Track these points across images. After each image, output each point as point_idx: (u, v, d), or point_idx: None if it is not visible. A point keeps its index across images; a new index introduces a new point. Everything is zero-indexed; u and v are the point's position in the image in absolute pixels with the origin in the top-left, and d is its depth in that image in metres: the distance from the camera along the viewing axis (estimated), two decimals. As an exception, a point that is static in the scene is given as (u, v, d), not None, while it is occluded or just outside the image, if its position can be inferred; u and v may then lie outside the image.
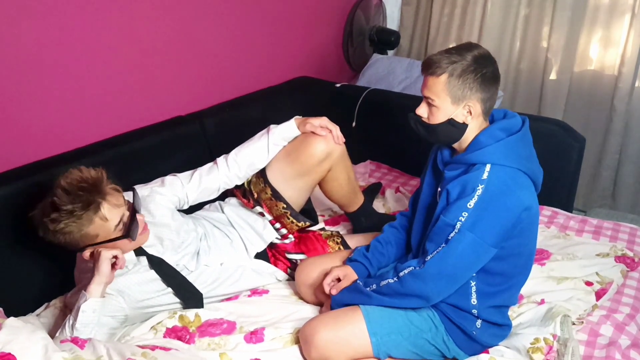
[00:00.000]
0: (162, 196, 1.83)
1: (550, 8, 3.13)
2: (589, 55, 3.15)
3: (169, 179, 1.89)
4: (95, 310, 1.54)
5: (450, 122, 1.57)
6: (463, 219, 1.49)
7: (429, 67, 1.55)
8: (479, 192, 1.50)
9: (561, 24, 3.11)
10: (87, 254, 1.61)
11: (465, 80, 1.52)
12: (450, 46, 1.66)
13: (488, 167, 1.52)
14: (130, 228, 1.61)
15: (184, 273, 1.78)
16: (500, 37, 3.29)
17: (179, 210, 1.89)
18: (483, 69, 1.53)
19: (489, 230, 1.49)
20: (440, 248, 1.53)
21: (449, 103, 1.55)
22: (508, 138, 1.56)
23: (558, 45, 3.15)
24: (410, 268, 1.57)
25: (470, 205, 1.49)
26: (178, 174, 1.92)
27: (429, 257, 1.54)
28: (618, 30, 3.03)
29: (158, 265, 1.74)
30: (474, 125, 1.59)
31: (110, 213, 1.57)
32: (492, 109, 1.62)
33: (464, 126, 1.58)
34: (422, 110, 1.60)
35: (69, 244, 1.58)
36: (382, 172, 2.80)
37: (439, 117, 1.57)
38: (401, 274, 1.58)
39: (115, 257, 1.59)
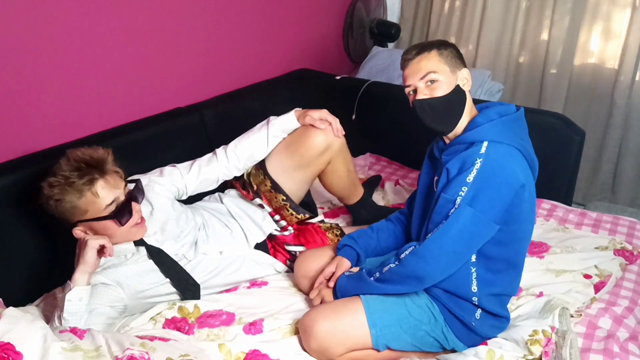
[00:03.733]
0: (161, 186, 1.83)
1: (551, 0, 3.12)
2: (589, 49, 3.15)
3: (168, 169, 1.89)
4: (81, 298, 1.54)
5: (458, 89, 1.61)
6: (463, 194, 1.50)
7: (416, 49, 1.62)
8: (477, 166, 1.51)
9: (562, 16, 3.11)
10: (79, 233, 1.62)
11: (450, 53, 1.62)
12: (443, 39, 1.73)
13: (485, 143, 1.54)
14: (121, 212, 1.61)
15: (182, 262, 1.79)
16: (501, 29, 3.28)
17: (178, 201, 1.89)
18: (453, 47, 1.65)
19: (488, 204, 1.50)
20: (440, 225, 1.52)
21: (449, 72, 1.61)
22: (503, 118, 1.60)
23: (559, 38, 3.14)
24: (411, 248, 1.57)
25: (469, 179, 1.50)
26: (177, 165, 1.92)
27: (429, 235, 1.54)
28: (619, 23, 3.03)
29: (157, 255, 1.74)
30: (468, 104, 1.64)
31: (103, 191, 1.58)
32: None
33: (465, 96, 1.63)
34: (422, 93, 1.60)
35: (60, 214, 1.59)
36: (381, 164, 2.80)
37: (445, 89, 1.60)
38: (402, 256, 1.58)
39: (103, 246, 1.58)
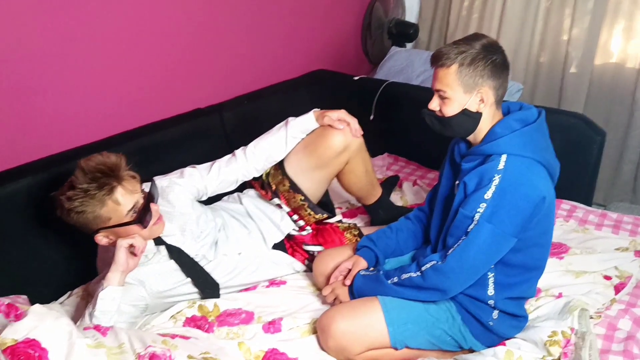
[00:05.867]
0: (181, 187, 1.86)
1: (571, 0, 3.09)
2: (610, 48, 3.11)
3: (188, 170, 1.92)
4: (114, 298, 1.57)
5: (465, 112, 1.57)
6: (481, 211, 1.50)
7: (439, 59, 1.56)
8: (495, 182, 1.50)
9: (582, 15, 3.08)
10: (101, 238, 1.64)
11: (476, 68, 1.53)
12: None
13: (504, 157, 1.53)
14: (142, 215, 1.63)
15: (202, 263, 1.81)
16: (520, 29, 3.26)
17: (197, 202, 1.92)
18: (492, 55, 1.54)
19: (507, 220, 1.50)
20: (460, 241, 1.54)
21: (462, 93, 1.56)
22: (523, 128, 1.56)
23: (579, 37, 3.12)
24: (433, 262, 1.58)
25: (487, 196, 1.50)
26: (197, 166, 1.94)
27: (450, 251, 1.55)
28: (641, 22, 3.00)
29: (177, 254, 1.77)
30: (488, 115, 1.60)
31: (124, 198, 1.60)
32: (503, 98, 1.62)
33: (478, 115, 1.58)
34: (434, 104, 1.61)
35: (82, 224, 1.61)
36: (399, 164, 2.81)
37: (453, 109, 1.58)
38: (423, 268, 1.60)
39: (132, 245, 1.61)
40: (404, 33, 3.48)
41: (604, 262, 1.97)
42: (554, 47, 3.23)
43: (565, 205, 2.35)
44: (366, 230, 2.07)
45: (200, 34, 2.37)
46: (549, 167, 1.57)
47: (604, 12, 3.04)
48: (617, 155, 3.19)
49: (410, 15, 3.70)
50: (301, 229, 2.00)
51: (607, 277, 1.90)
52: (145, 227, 1.65)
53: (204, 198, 1.95)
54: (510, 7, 3.23)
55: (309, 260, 1.97)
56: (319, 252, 1.95)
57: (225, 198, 2.10)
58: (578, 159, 2.34)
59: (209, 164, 1.95)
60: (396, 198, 2.46)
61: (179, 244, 1.79)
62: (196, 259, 1.80)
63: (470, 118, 1.59)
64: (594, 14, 3.06)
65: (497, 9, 3.28)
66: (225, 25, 2.48)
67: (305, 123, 1.95)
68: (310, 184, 1.97)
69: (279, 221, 1.98)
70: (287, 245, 2.00)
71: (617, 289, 1.86)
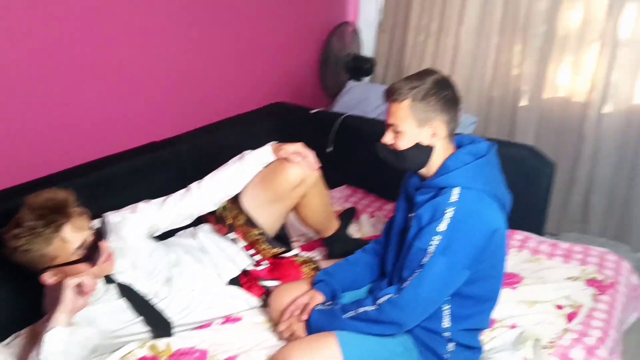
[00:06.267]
0: (134, 222, 1.82)
1: (520, 36, 3.20)
2: (558, 83, 3.22)
3: (141, 205, 1.88)
4: (60, 339, 1.51)
5: (418, 146, 1.60)
6: (435, 243, 1.51)
7: (392, 94, 1.59)
8: (449, 215, 1.52)
9: (531, 52, 3.18)
10: (47, 278, 1.58)
11: (428, 102, 1.56)
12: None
13: (457, 190, 1.55)
14: (91, 253, 1.59)
15: (155, 300, 1.76)
16: (472, 64, 3.35)
17: (151, 237, 1.88)
18: (444, 91, 1.58)
19: (461, 252, 1.51)
20: (415, 274, 1.54)
21: (414, 127, 1.58)
22: (475, 161, 1.59)
23: (528, 72, 3.22)
24: (389, 295, 1.58)
25: (441, 228, 1.51)
26: (151, 200, 1.91)
27: (405, 284, 1.55)
28: (587, 58, 3.11)
29: (128, 292, 1.72)
30: (440, 148, 1.62)
31: (72, 235, 1.55)
32: (455, 131, 1.65)
33: (430, 149, 1.61)
34: (387, 138, 1.63)
35: (29, 263, 1.55)
36: (358, 196, 2.82)
37: (406, 142, 1.60)
38: (379, 301, 1.59)
39: (80, 284, 1.55)
40: (361, 67, 3.53)
41: (556, 291, 2.00)
42: (505, 82, 3.32)
43: (519, 235, 2.39)
44: (324, 264, 2.06)
45: (156, 65, 2.36)
46: (500, 199, 1.60)
47: (551, 49, 3.15)
48: (567, 186, 3.28)
49: (367, 50, 3.76)
50: (257, 263, 1.98)
51: (559, 307, 1.93)
52: (94, 265, 1.60)
53: (158, 233, 1.91)
54: (463, 42, 3.32)
55: (266, 295, 1.94)
56: (275, 287, 1.92)
57: (179, 233, 2.06)
58: (529, 190, 2.39)
59: (162, 198, 1.92)
60: (354, 230, 2.46)
61: (130, 280, 1.74)
62: (148, 297, 1.76)
63: (422, 151, 1.61)
64: (542, 50, 3.16)
65: (450, 45, 3.37)
66: (181, 58, 2.47)
67: (261, 156, 1.94)
68: (267, 217, 1.96)
69: (234, 256, 1.95)
70: (243, 280, 1.97)
71: (569, 318, 1.89)
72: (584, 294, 2.00)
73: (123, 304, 1.70)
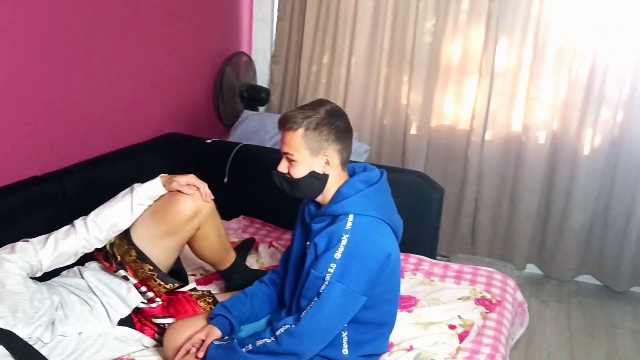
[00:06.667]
0: (12, 264, 1.67)
1: (407, 68, 3.34)
2: (443, 111, 3.39)
3: (20, 244, 1.74)
4: None
5: (312, 174, 1.62)
6: (332, 271, 1.52)
7: (286, 123, 1.60)
8: (344, 242, 1.54)
9: (418, 82, 3.33)
10: None
11: (320, 132, 1.59)
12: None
13: (351, 217, 1.57)
14: None
15: (37, 346, 1.63)
16: (364, 94, 3.45)
17: (31, 278, 1.74)
18: (336, 121, 1.61)
19: (357, 279, 1.53)
20: (313, 302, 1.54)
21: (308, 156, 1.60)
22: (368, 189, 1.63)
23: (416, 102, 3.36)
24: (287, 326, 1.57)
25: (337, 256, 1.53)
26: (31, 239, 1.77)
27: (303, 314, 1.55)
28: (468, 88, 3.30)
29: (8, 339, 1.58)
30: (334, 177, 1.65)
31: None
32: (348, 160, 1.69)
33: (324, 177, 1.63)
34: (282, 167, 1.64)
35: None
36: (255, 227, 2.79)
37: (301, 171, 1.61)
38: (278, 332, 1.57)
39: None
40: (256, 97, 3.54)
41: (449, 312, 2.07)
42: (395, 111, 3.45)
43: (413, 259, 2.46)
44: (221, 297, 2.00)
45: (37, 93, 2.21)
46: (392, 225, 1.64)
47: (436, 80, 3.32)
48: (456, 210, 3.44)
49: (262, 80, 3.78)
50: (150, 300, 1.89)
51: (452, 327, 1.99)
52: None
53: (39, 274, 1.77)
54: (354, 73, 3.41)
55: (160, 334, 1.86)
56: (170, 324, 1.84)
57: (64, 273, 1.93)
58: (421, 215, 2.48)
59: (44, 236, 1.79)
60: (252, 261, 2.42)
61: (9, 327, 1.60)
62: (30, 342, 1.62)
63: (317, 180, 1.63)
64: (427, 81, 3.32)
65: (342, 75, 3.45)
66: (67, 84, 2.34)
67: (151, 189, 1.88)
68: (160, 252, 1.89)
69: (125, 294, 1.85)
70: (135, 319, 1.87)
71: (461, 337, 1.95)
72: (474, 312, 2.09)
73: (2, 351, 1.56)
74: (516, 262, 3.35)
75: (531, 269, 3.48)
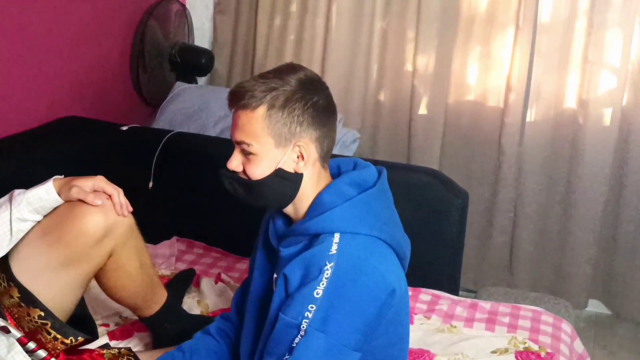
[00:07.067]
0: None
1: (413, 19, 3.36)
2: (465, 82, 3.41)
3: None
4: None
5: (278, 173, 1.60)
6: (310, 315, 1.50)
7: (240, 99, 1.58)
8: (327, 273, 1.52)
9: (428, 40, 3.35)
10: None
11: (291, 111, 1.57)
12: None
13: (337, 237, 1.56)
14: None
15: None
16: (351, 58, 3.47)
17: None
18: (313, 95, 1.59)
19: (346, 326, 1.51)
20: None
21: (272, 146, 1.58)
22: (360, 196, 1.62)
23: (426, 68, 3.38)
24: None
25: (317, 293, 1.51)
26: None
27: None
28: (501, 49, 3.33)
29: None
30: (311, 177, 1.64)
31: None
32: (330, 153, 1.68)
33: (297, 177, 1.62)
34: (235, 163, 1.62)
35: None
36: (196, 253, 2.79)
37: (262, 169, 1.60)
38: None
39: None
40: (193, 63, 3.54)
41: (479, 371, 2.08)
42: (397, 82, 3.47)
43: (425, 295, 2.46)
44: (146, 357, 2.00)
45: None
46: (396, 247, 1.63)
47: (453, 37, 3.33)
48: (486, 223, 3.45)
49: (202, 39, 3.77)
50: (42, 362, 1.87)
51: (485, 392, 2.01)
52: None
53: None
54: (336, 28, 3.43)
55: (57, 412, 1.84)
56: (71, 397, 1.83)
57: None
58: (435, 230, 2.49)
59: None
60: (192, 303, 2.43)
61: None
62: None
63: (286, 182, 1.62)
64: (441, 38, 3.34)
65: (319, 31, 3.47)
66: None
67: (40, 198, 1.85)
68: (55, 291, 1.86)
69: (4, 354, 1.82)
70: (19, 391, 1.85)
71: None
72: (516, 372, 2.10)
73: None
74: (574, 298, 3.38)
75: (595, 306, 3.53)
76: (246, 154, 1.60)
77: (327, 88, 1.65)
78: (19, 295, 1.83)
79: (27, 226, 1.86)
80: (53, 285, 1.86)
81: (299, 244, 1.62)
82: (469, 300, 2.49)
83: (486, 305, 2.45)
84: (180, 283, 2.46)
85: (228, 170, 1.63)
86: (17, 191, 1.87)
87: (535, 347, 2.21)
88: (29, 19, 2.76)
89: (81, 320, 2.01)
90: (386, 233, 1.61)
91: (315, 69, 3.45)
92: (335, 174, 1.71)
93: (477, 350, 2.17)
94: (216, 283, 2.56)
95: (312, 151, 1.61)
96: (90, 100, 3.17)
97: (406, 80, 3.45)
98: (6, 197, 1.88)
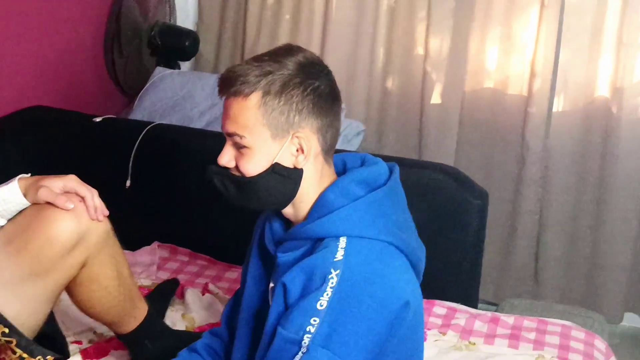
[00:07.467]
0: None
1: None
2: (485, 67, 3.41)
3: None
4: None
5: (275, 169, 1.60)
6: (313, 330, 1.50)
7: (231, 85, 1.57)
8: (332, 283, 1.52)
9: (442, 19, 3.35)
10: None
11: (289, 99, 1.56)
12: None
13: (343, 241, 1.56)
14: None
15: None
16: (354, 40, 3.47)
17: None
18: (314, 80, 1.59)
19: (353, 343, 1.51)
20: None
21: (268, 138, 1.58)
22: (369, 195, 1.61)
23: (440, 51, 3.38)
24: None
25: (321, 305, 1.51)
26: None
27: None
28: (524, 30, 3.33)
29: None
30: (313, 174, 1.63)
31: None
32: (335, 146, 1.67)
33: (295, 174, 1.61)
34: (226, 157, 1.61)
35: None
36: (179, 259, 2.80)
37: (256, 164, 1.59)
38: None
39: None
40: (176, 46, 3.54)
41: (502, 395, 2.08)
42: (406, 67, 3.47)
43: (440, 308, 2.46)
44: (124, 378, 2.00)
45: None
46: (409, 253, 1.63)
47: (470, 17, 3.33)
48: (509, 226, 3.45)
49: (185, 19, 3.76)
50: (7, 385, 1.87)
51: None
52: None
53: None
54: (337, 7, 3.42)
55: None
56: None
57: None
58: (451, 235, 2.49)
59: None
60: (176, 316, 2.43)
61: None
62: None
63: (284, 178, 1.61)
64: (457, 18, 3.34)
65: (317, 10, 3.47)
66: None
67: (5, 200, 1.86)
68: (20, 305, 1.86)
69: (-37, 377, 1.83)
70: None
71: None
72: (544, 395, 2.10)
73: None
74: (607, 311, 3.38)
75: (631, 320, 3.54)
76: (239, 147, 1.59)
77: (329, 72, 1.64)
78: (-20, 310, 1.83)
79: (-11, 233, 1.86)
80: (19, 299, 1.86)
81: (299, 250, 1.62)
82: (489, 313, 2.49)
83: (509, 319, 2.45)
84: (163, 294, 2.47)
85: (218, 166, 1.63)
86: (-22, 191, 1.87)
87: (564, 366, 2.22)
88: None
89: (51, 337, 2.02)
90: (399, 238, 1.61)
91: (314, 51, 3.44)
92: (341, 171, 1.70)
93: (499, 371, 2.18)
94: (203, 294, 2.56)
95: (313, 143, 1.61)
96: (60, 88, 3.18)
97: (417, 65, 3.45)
98: (-36, 199, 1.88)
